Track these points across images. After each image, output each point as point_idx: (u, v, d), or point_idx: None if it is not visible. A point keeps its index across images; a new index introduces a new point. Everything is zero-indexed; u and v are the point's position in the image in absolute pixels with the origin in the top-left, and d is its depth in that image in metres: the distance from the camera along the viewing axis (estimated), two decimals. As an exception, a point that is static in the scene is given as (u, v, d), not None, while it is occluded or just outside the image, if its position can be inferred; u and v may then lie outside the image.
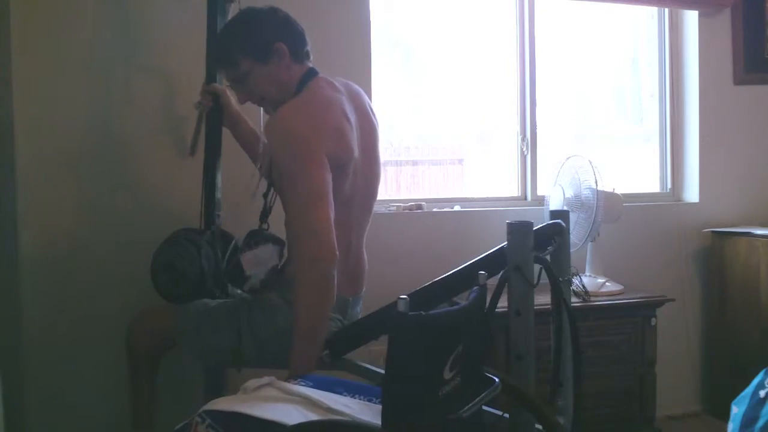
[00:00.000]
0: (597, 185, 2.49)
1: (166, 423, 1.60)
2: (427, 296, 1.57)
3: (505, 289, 1.47)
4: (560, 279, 1.57)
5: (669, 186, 3.13)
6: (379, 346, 1.39)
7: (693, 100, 3.04)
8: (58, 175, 2.16)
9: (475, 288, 1.34)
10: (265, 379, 1.38)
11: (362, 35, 2.52)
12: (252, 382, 1.37)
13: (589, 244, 2.61)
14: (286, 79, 1.74)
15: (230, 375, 2.04)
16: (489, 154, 3.04)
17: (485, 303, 1.38)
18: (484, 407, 1.40)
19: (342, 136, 1.66)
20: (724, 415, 2.28)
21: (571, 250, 1.76)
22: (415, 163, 2.96)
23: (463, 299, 1.33)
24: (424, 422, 1.15)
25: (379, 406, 1.16)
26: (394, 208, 2.65)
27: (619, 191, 2.64)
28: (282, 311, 1.69)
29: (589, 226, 2.50)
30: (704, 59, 3.00)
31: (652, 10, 3.12)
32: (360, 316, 1.84)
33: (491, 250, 1.54)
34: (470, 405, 1.21)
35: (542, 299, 1.60)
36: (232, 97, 1.95)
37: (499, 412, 1.49)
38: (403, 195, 2.85)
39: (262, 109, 1.86)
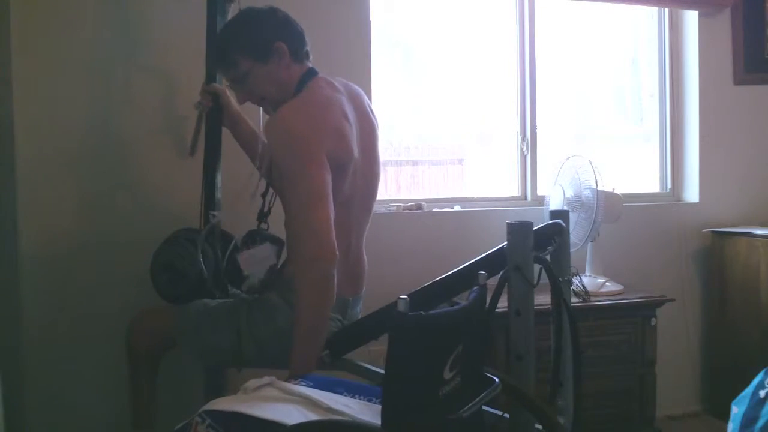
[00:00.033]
0: (597, 185, 2.49)
1: (166, 423, 1.60)
2: (427, 296, 1.57)
3: (505, 289, 1.47)
4: (560, 279, 1.57)
5: (669, 186, 3.13)
6: (379, 346, 1.39)
7: (693, 100, 3.04)
8: (58, 175, 2.16)
9: (475, 288, 1.34)
10: (266, 379, 1.38)
11: (362, 35, 2.52)
12: (252, 382, 1.37)
13: (589, 244, 2.61)
14: (286, 78, 1.74)
15: (230, 375, 2.04)
16: (489, 154, 3.04)
17: (485, 303, 1.38)
18: (485, 407, 1.40)
19: (342, 136, 1.66)
20: (724, 415, 2.28)
21: (571, 250, 1.76)
22: (415, 163, 2.96)
23: (464, 299, 1.33)
24: (424, 422, 1.15)
25: (379, 406, 1.16)
26: (394, 208, 2.65)
27: (619, 191, 2.64)
28: (282, 311, 1.69)
29: (589, 226, 2.50)
30: (704, 59, 3.00)
31: (652, 10, 3.12)
32: (360, 316, 1.84)
33: (491, 250, 1.55)
34: (470, 405, 1.21)
35: (542, 299, 1.60)
36: (231, 97, 1.95)
37: (499, 412, 1.49)
38: (403, 195, 2.85)
39: (261, 109, 1.86)
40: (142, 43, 2.24)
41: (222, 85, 1.98)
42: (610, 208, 2.54)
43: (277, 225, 1.84)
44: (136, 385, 1.86)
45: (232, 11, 1.97)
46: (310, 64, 1.79)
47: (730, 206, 3.05)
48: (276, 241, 1.85)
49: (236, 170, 2.06)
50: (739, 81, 3.05)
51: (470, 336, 1.27)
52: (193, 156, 2.13)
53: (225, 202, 2.02)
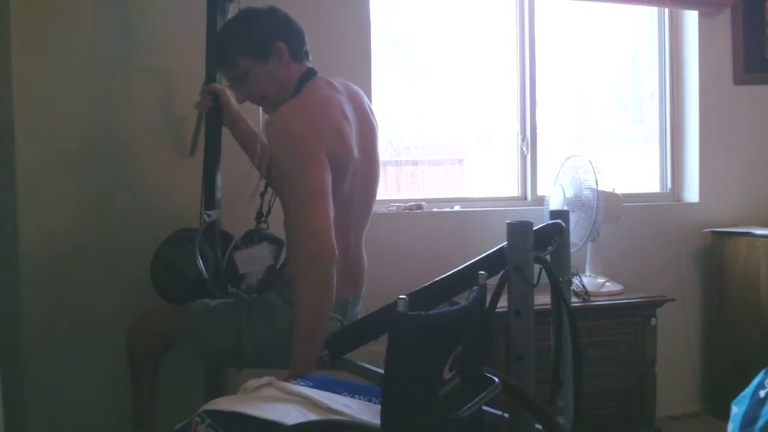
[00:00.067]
0: (597, 185, 2.49)
1: (166, 423, 1.60)
2: (427, 296, 1.57)
3: (505, 289, 1.47)
4: (560, 279, 1.57)
5: (669, 186, 3.13)
6: (379, 346, 1.39)
7: (693, 100, 3.04)
8: (58, 175, 2.16)
9: (475, 288, 1.34)
10: (265, 379, 1.38)
11: (362, 35, 2.52)
12: (252, 382, 1.37)
13: (589, 244, 2.61)
14: (286, 78, 1.74)
15: (230, 375, 2.04)
16: (489, 154, 3.04)
17: (485, 303, 1.38)
18: (484, 407, 1.40)
19: (342, 136, 1.66)
20: (724, 415, 2.28)
21: (571, 250, 1.75)
22: (415, 163, 2.96)
23: (464, 299, 1.33)
24: (424, 422, 1.15)
25: (379, 406, 1.16)
26: (394, 208, 2.65)
27: (619, 191, 2.63)
28: (282, 311, 1.69)
29: (589, 226, 2.50)
30: (704, 59, 3.00)
31: (652, 10, 3.12)
32: (360, 316, 1.84)
33: (491, 250, 1.54)
34: (470, 405, 1.21)
35: (542, 299, 1.60)
36: (231, 97, 1.95)
37: (499, 412, 1.49)
38: (403, 195, 2.85)
39: (261, 108, 1.86)
40: (142, 43, 2.24)
41: (222, 84, 1.98)
42: (610, 208, 2.54)
43: (277, 225, 1.84)
44: (136, 385, 1.87)
45: (232, 11, 1.97)
46: (309, 64, 1.79)
47: (730, 206, 3.05)
48: (274, 240, 1.85)
49: (236, 170, 2.06)
50: (739, 81, 3.05)
51: (470, 336, 1.27)
52: (192, 156, 2.13)
53: (225, 202, 2.02)
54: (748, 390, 2.16)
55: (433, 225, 2.63)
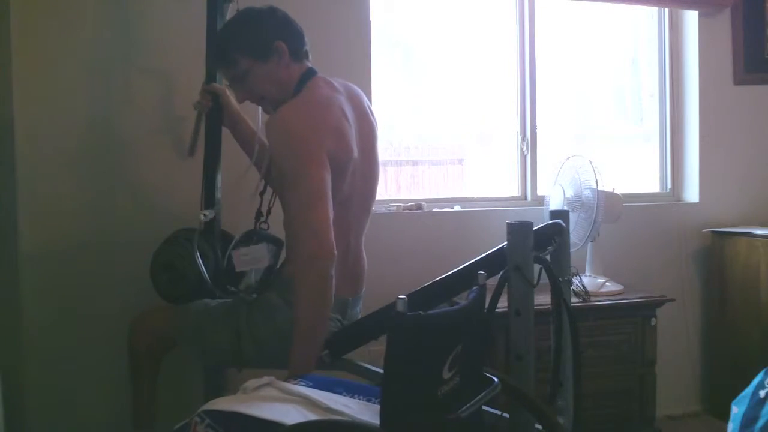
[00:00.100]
0: (597, 185, 2.49)
1: (166, 423, 1.60)
2: (427, 296, 1.57)
3: (505, 289, 1.47)
4: (560, 279, 1.57)
5: (669, 186, 3.13)
6: (379, 346, 1.39)
7: (693, 100, 3.04)
8: (58, 175, 2.16)
9: (475, 288, 1.34)
10: (265, 379, 1.38)
11: (362, 35, 2.52)
12: (252, 382, 1.38)
13: (589, 244, 2.61)
14: (286, 78, 1.74)
15: (230, 375, 2.04)
16: (489, 154, 3.04)
17: (485, 303, 1.38)
18: (484, 407, 1.40)
19: (342, 136, 1.66)
20: (724, 415, 2.28)
21: (571, 250, 1.76)
22: (415, 163, 2.96)
23: (464, 299, 1.33)
24: (423, 422, 1.15)
25: (378, 406, 1.16)
26: (394, 208, 2.65)
27: (619, 191, 2.63)
28: (281, 311, 1.69)
29: (589, 226, 2.50)
30: (704, 59, 3.00)
31: (652, 10, 3.12)
32: (360, 317, 1.84)
33: (491, 250, 1.55)
34: (469, 405, 1.21)
35: (542, 299, 1.61)
36: (231, 97, 1.95)
37: (499, 412, 1.49)
38: (403, 195, 2.85)
39: (260, 108, 1.86)
40: (142, 43, 2.24)
41: (222, 84, 1.98)
42: (610, 208, 2.54)
43: (277, 225, 1.84)
44: (136, 385, 1.87)
45: (230, 11, 1.97)
46: (309, 64, 1.79)
47: (730, 206, 3.05)
48: (272, 240, 1.85)
49: (236, 170, 2.06)
50: (739, 81, 3.05)
51: (469, 336, 1.27)
52: (192, 156, 2.13)
53: (225, 202, 2.02)
54: (748, 390, 2.16)
55: (433, 225, 2.63)
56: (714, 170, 3.03)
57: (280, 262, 1.88)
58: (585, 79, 3.12)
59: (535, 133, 2.89)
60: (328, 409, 1.30)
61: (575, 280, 2.48)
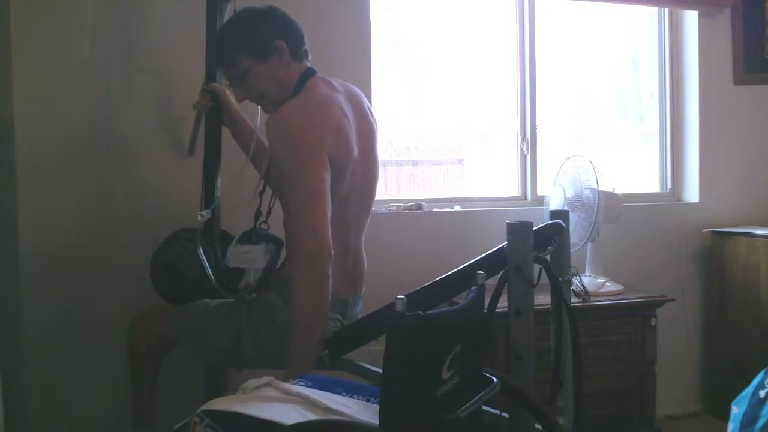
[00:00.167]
0: (598, 185, 2.49)
1: (166, 423, 1.60)
2: (426, 296, 1.57)
3: (505, 289, 1.47)
4: (560, 279, 1.57)
5: (669, 186, 3.13)
6: (379, 346, 1.39)
7: (693, 100, 3.04)
8: (58, 175, 2.16)
9: (474, 288, 1.34)
10: (264, 379, 1.38)
11: (362, 35, 2.52)
12: (251, 382, 1.38)
13: (589, 244, 2.61)
14: (286, 77, 1.74)
15: (230, 375, 2.04)
16: (489, 154, 3.04)
17: (484, 303, 1.38)
18: (484, 407, 1.39)
19: (342, 135, 1.66)
20: (724, 415, 2.28)
21: (571, 250, 1.76)
22: (415, 163, 2.96)
23: (464, 299, 1.33)
24: (422, 422, 1.15)
25: (378, 406, 1.16)
26: (394, 208, 2.65)
27: (619, 191, 2.63)
28: (281, 311, 1.69)
29: (589, 226, 2.50)
30: (704, 59, 3.00)
31: (652, 10, 3.12)
32: (360, 316, 1.84)
33: (491, 250, 1.55)
34: (468, 405, 1.21)
35: (542, 299, 1.60)
36: (231, 97, 1.95)
37: (498, 412, 1.49)
38: (403, 195, 2.85)
39: (259, 108, 1.86)
40: (142, 43, 2.24)
41: (221, 84, 1.98)
42: (610, 208, 2.54)
43: (277, 225, 1.84)
44: (136, 385, 1.87)
45: (228, 11, 1.97)
46: (308, 64, 1.80)
47: (730, 206, 3.05)
48: (274, 240, 1.85)
49: (236, 170, 2.06)
50: (739, 81, 3.05)
51: (468, 336, 1.27)
52: (191, 156, 2.13)
53: (225, 202, 2.02)
54: (748, 390, 2.16)
55: (433, 225, 2.63)
56: (714, 170, 3.03)
57: (280, 261, 1.88)
58: (585, 79, 3.12)
59: (535, 133, 2.89)
60: (328, 409, 1.30)
61: (575, 280, 2.48)
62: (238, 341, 1.73)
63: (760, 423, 2.05)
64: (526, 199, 2.90)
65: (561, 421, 1.60)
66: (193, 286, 1.81)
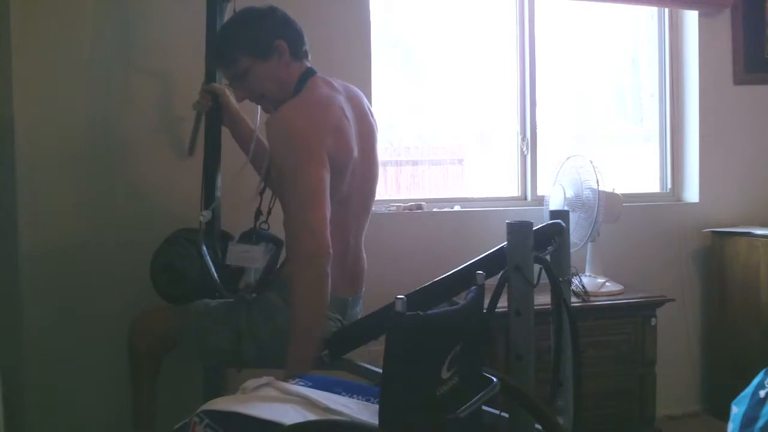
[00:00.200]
0: (598, 185, 2.49)
1: (166, 423, 1.60)
2: (426, 296, 1.57)
3: (505, 289, 1.47)
4: (560, 279, 1.57)
5: (669, 186, 3.13)
6: (379, 346, 1.39)
7: (693, 100, 3.04)
8: (58, 175, 2.16)
9: (473, 288, 1.34)
10: (264, 379, 1.38)
11: (362, 35, 2.52)
12: (251, 382, 1.38)
13: (589, 244, 2.61)
14: (286, 77, 1.74)
15: (230, 375, 2.04)
16: (489, 154, 3.04)
17: (483, 303, 1.38)
18: (484, 407, 1.39)
19: (342, 135, 1.66)
20: (724, 415, 2.28)
21: (571, 250, 1.76)
22: (415, 163, 2.96)
23: (463, 299, 1.33)
24: (422, 422, 1.15)
25: (377, 406, 1.16)
26: (394, 208, 2.65)
27: (619, 191, 2.63)
28: (281, 311, 1.69)
29: (589, 226, 2.50)
30: (704, 59, 3.00)
31: (652, 10, 3.12)
32: (360, 316, 1.84)
33: (491, 250, 1.55)
34: (468, 405, 1.21)
35: (542, 299, 1.60)
36: (231, 97, 1.95)
37: (498, 412, 1.49)
38: (403, 195, 2.85)
39: (259, 107, 1.86)
40: (142, 43, 2.24)
41: (221, 84, 1.98)
42: (610, 208, 2.54)
43: (277, 225, 1.84)
44: (137, 385, 1.87)
45: (228, 11, 1.97)
46: (308, 64, 1.80)
47: (730, 206, 3.05)
48: (274, 240, 1.85)
49: (236, 170, 2.06)
50: (739, 81, 3.05)
51: (468, 336, 1.27)
52: (191, 156, 2.14)
53: (225, 202, 2.02)
54: (748, 390, 2.16)
55: (433, 225, 2.63)
56: (714, 170, 3.03)
57: (280, 261, 1.88)
58: (585, 79, 3.12)
59: (535, 133, 2.89)
60: (327, 409, 1.30)
61: (575, 280, 2.48)
62: (238, 341, 1.73)
63: (760, 423, 2.05)
64: (526, 199, 2.90)
65: (561, 421, 1.60)
66: (193, 286, 1.81)
